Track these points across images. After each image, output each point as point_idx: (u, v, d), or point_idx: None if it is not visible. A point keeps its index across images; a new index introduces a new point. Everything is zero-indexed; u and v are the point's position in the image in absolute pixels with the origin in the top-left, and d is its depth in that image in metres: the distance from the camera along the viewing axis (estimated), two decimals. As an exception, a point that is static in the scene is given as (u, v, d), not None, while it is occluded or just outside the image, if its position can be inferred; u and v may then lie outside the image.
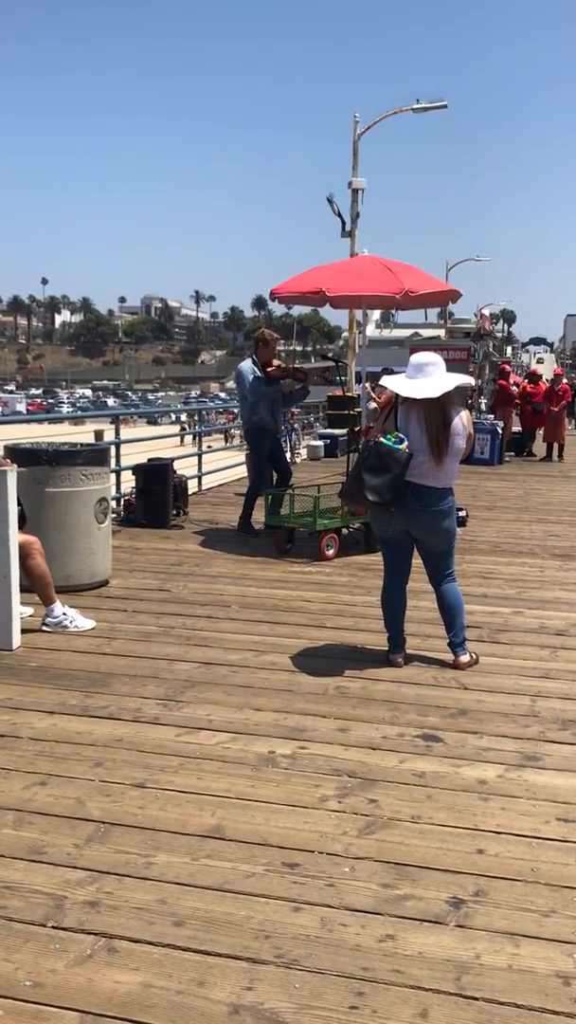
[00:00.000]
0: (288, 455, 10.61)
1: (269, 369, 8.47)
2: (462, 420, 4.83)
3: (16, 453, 6.28)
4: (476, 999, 2.26)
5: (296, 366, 9.04)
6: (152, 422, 61.85)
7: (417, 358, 4.86)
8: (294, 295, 8.69)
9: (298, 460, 14.80)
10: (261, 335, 8.73)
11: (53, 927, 2.53)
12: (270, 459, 8.91)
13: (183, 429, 35.91)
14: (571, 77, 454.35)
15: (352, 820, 3.18)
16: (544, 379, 19.94)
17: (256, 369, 8.44)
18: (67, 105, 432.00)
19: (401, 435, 4.74)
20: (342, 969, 2.37)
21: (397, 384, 4.84)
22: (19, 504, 5.28)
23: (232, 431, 26.97)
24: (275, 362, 8.64)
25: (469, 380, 5.69)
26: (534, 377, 20.20)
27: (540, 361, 57.87)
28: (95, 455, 6.64)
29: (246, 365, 8.55)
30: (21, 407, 79.30)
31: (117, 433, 10.50)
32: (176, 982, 2.30)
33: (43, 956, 2.40)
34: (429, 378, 4.77)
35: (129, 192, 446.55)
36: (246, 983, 2.30)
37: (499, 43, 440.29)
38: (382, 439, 4.75)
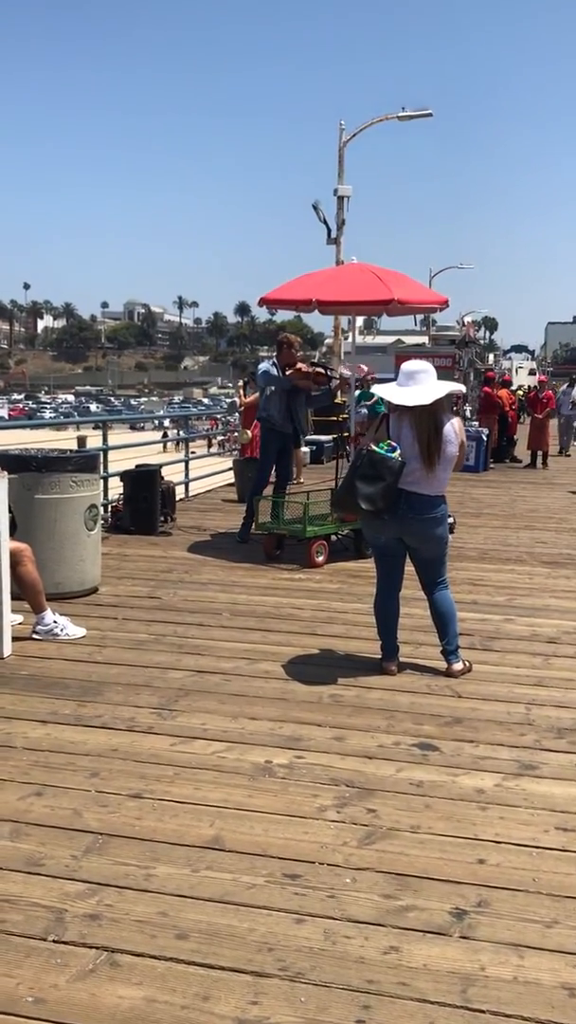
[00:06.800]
0: None
1: (289, 372, 8.28)
2: (454, 427, 4.84)
3: (6, 460, 6.23)
4: (483, 1012, 2.25)
5: (318, 370, 8.81)
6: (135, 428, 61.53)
7: (408, 366, 4.87)
8: (284, 302, 8.66)
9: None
10: (285, 338, 8.54)
11: (54, 941, 2.50)
12: (276, 460, 8.65)
13: (165, 435, 35.61)
14: (557, 88, 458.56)
15: (351, 830, 3.16)
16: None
17: (275, 370, 8.27)
18: (52, 110, 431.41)
19: (393, 443, 4.74)
20: (347, 982, 2.35)
21: (388, 392, 4.84)
22: (10, 511, 5.25)
23: (214, 438, 27.01)
24: (299, 365, 8.42)
25: (460, 387, 5.71)
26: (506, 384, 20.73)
27: (532, 373, 58.42)
28: (85, 462, 6.60)
29: (265, 365, 8.42)
30: (3, 412, 78.79)
31: (104, 439, 10.41)
32: (180, 996, 2.28)
33: (44, 971, 2.37)
34: (420, 385, 4.78)
35: (112, 198, 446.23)
36: (251, 997, 2.28)
37: (487, 53, 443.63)
38: (375, 447, 4.75)
